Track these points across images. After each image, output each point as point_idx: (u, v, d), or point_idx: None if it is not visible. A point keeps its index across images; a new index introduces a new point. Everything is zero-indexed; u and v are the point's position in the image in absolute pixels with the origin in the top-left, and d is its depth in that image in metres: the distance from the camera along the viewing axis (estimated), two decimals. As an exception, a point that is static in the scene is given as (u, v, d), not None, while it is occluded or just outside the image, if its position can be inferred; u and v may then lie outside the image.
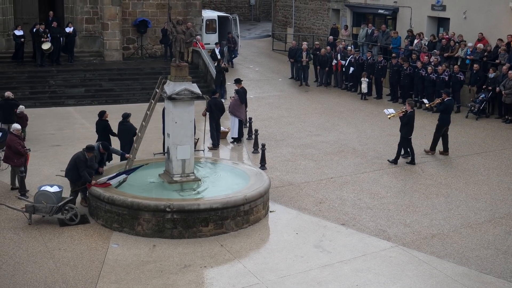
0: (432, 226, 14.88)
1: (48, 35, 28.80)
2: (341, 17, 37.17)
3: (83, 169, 14.72)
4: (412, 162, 19.24)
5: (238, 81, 22.28)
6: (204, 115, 20.50)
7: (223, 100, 23.26)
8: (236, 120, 21.44)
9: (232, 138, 21.54)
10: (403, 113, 19.09)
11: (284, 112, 26.06)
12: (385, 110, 20.59)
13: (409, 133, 19.17)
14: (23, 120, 19.60)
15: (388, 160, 19.44)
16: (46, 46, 28.50)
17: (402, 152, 19.48)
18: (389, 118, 20.08)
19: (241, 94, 21.71)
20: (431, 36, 28.87)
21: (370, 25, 32.65)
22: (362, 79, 28.29)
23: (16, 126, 16.74)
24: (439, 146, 20.29)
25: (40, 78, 28.25)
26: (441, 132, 19.97)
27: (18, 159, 16.19)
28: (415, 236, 14.33)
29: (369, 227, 14.74)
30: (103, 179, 14.80)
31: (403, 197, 16.71)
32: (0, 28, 30.05)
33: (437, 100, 20.95)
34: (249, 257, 13.23)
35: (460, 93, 25.67)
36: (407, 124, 19.00)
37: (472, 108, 24.62)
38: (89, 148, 15.06)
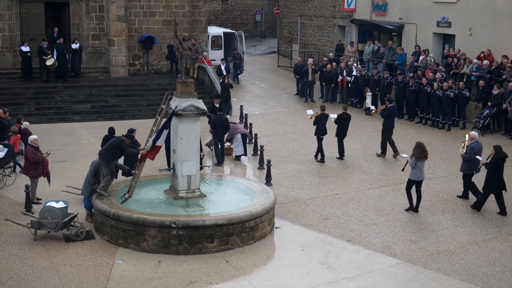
0: (438, 242, 14.82)
1: (54, 50, 28.98)
2: (346, 34, 37.27)
3: (126, 148, 15.15)
4: (321, 160, 21.22)
5: (216, 97, 22.48)
6: (212, 132, 20.58)
7: (228, 117, 23.26)
8: (239, 136, 21.31)
9: (236, 155, 21.40)
10: (316, 116, 21.53)
11: (290, 128, 26.07)
12: (307, 111, 23.07)
13: (319, 133, 21.27)
14: (26, 136, 19.61)
15: (316, 159, 21.41)
16: (49, 62, 28.69)
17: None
18: (310, 118, 21.98)
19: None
20: (435, 64, 28.69)
21: (376, 42, 32.71)
22: (366, 94, 28.31)
23: (33, 136, 17.01)
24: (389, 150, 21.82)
25: (46, 94, 28.39)
26: (385, 136, 21.77)
27: (34, 170, 16.39)
28: (421, 252, 14.27)
29: (375, 244, 14.68)
30: (149, 144, 15.01)
31: (408, 214, 16.65)
32: (7, 44, 30.26)
33: (382, 107, 23.15)
34: (255, 274, 13.18)
35: (466, 110, 25.68)
36: (315, 124, 21.33)
37: (477, 124, 24.61)
38: (128, 136, 15.67)
